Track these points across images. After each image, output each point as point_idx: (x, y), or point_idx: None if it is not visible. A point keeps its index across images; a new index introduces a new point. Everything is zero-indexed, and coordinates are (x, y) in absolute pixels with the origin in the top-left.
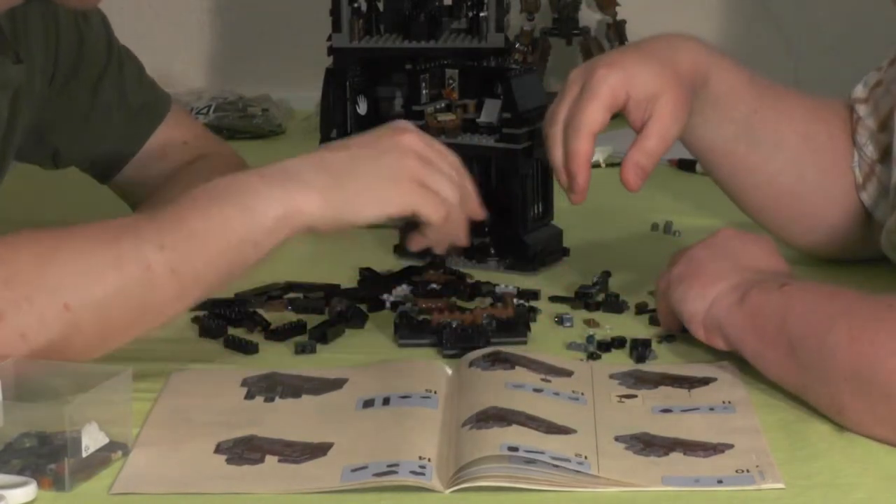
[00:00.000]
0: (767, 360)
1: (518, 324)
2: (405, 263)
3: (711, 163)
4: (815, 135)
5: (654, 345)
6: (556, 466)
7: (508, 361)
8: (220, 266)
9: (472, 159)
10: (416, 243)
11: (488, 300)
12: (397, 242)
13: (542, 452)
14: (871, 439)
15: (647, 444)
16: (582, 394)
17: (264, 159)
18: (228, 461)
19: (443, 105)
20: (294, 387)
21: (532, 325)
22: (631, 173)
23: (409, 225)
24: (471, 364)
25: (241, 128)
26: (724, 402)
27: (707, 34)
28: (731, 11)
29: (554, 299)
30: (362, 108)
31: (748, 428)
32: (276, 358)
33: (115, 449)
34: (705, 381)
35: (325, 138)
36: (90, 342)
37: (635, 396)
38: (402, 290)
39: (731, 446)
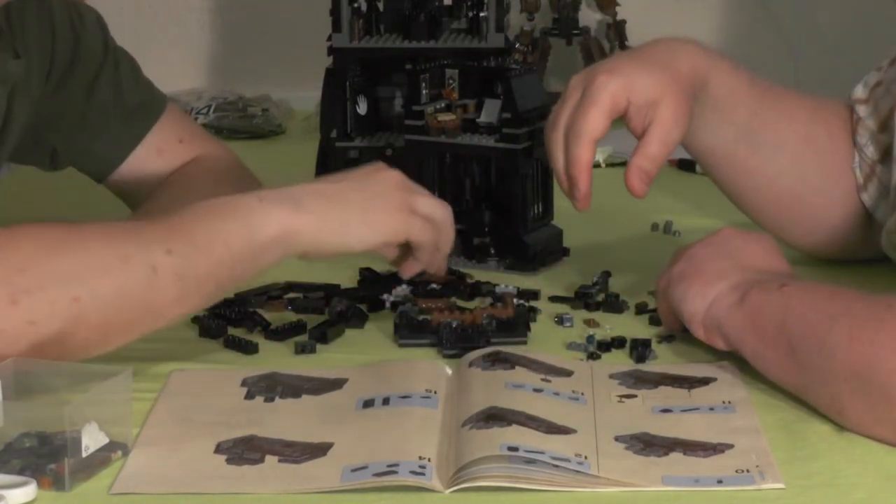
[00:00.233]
0: (767, 360)
1: (518, 324)
2: None
3: (712, 165)
4: (815, 136)
5: (654, 345)
6: (556, 466)
7: (508, 361)
8: (219, 276)
9: (472, 159)
10: (408, 269)
11: (488, 300)
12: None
13: (542, 452)
14: (871, 439)
15: (647, 444)
16: (582, 394)
17: (264, 159)
18: (228, 461)
19: (443, 105)
20: (294, 387)
21: (532, 325)
22: (636, 179)
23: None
24: (471, 364)
25: (241, 128)
26: (724, 402)
27: (707, 34)
28: (732, 12)
29: (554, 299)
30: (362, 108)
31: (748, 428)
32: (276, 358)
33: (115, 449)
34: (705, 381)
35: (325, 138)
36: (91, 338)
37: (635, 396)
38: (402, 290)
39: (731, 446)
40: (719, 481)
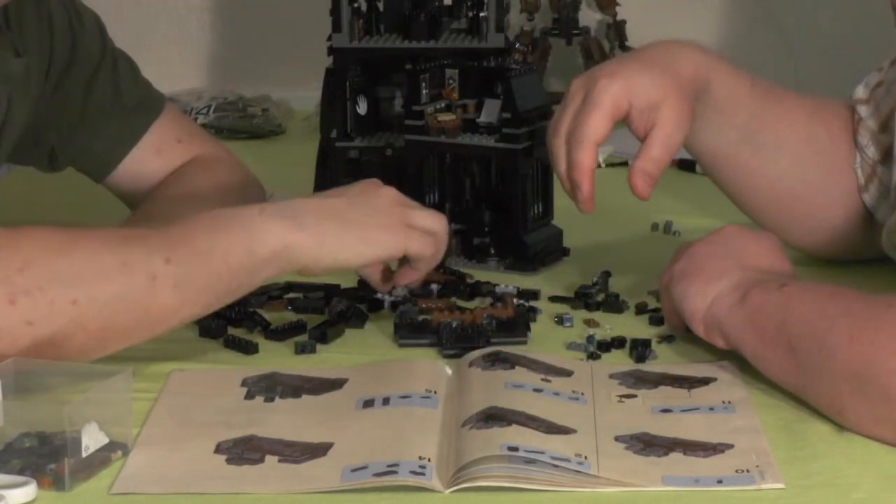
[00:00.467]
0: (767, 360)
1: (518, 324)
2: None
3: (713, 166)
4: (816, 137)
5: (654, 345)
6: (556, 466)
7: (508, 361)
8: (217, 288)
9: (472, 159)
10: (405, 277)
11: (488, 300)
12: None
13: (542, 452)
14: (871, 439)
15: (647, 444)
16: (582, 394)
17: (264, 159)
18: (228, 461)
19: (443, 105)
20: (294, 387)
21: (532, 325)
22: (640, 181)
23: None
24: (471, 364)
25: (241, 128)
26: (724, 402)
27: (707, 35)
28: (732, 12)
29: (554, 299)
30: (362, 108)
31: (748, 428)
32: (276, 358)
33: (115, 449)
34: (705, 381)
35: (325, 138)
36: (88, 343)
37: (635, 396)
38: (402, 290)
39: (731, 446)
40: (719, 481)
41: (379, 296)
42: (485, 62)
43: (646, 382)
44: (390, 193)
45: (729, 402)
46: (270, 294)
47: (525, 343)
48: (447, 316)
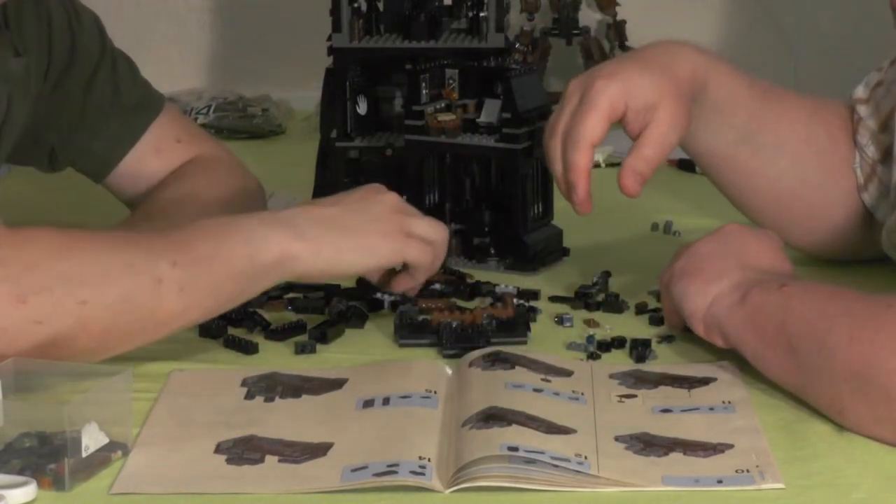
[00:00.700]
0: (767, 360)
1: (518, 324)
2: None
3: (712, 167)
4: (815, 137)
5: (654, 345)
6: (556, 466)
7: (508, 361)
8: (220, 293)
9: (472, 159)
10: (402, 284)
11: (488, 300)
12: None
13: (542, 452)
14: (871, 439)
15: (647, 444)
16: (582, 394)
17: (264, 159)
18: (228, 461)
19: (443, 105)
20: (294, 387)
21: (532, 325)
22: (629, 179)
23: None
24: (471, 364)
25: (241, 128)
26: (724, 402)
27: (707, 35)
28: (732, 12)
29: (554, 299)
30: (362, 108)
31: (748, 428)
32: (276, 358)
33: (115, 449)
34: (705, 381)
35: (325, 138)
36: (91, 344)
37: (635, 396)
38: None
39: (731, 446)
40: (719, 481)
41: (379, 296)
42: (485, 62)
43: (646, 382)
44: (390, 200)
45: (729, 402)
46: (270, 294)
47: (525, 343)
48: (447, 316)
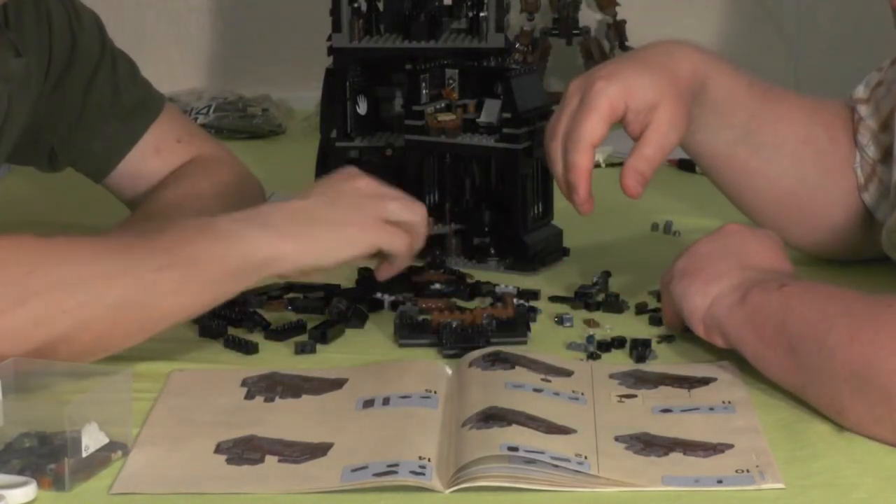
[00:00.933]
0: (767, 360)
1: (518, 324)
2: None
3: (712, 167)
4: (815, 137)
5: (654, 345)
6: (556, 466)
7: (508, 361)
8: (211, 292)
9: (472, 159)
10: (384, 272)
11: (488, 300)
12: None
13: (542, 452)
14: (871, 439)
15: (647, 444)
16: (582, 394)
17: (264, 159)
18: (228, 461)
19: (443, 105)
20: (294, 387)
21: (532, 325)
22: (631, 180)
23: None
24: (471, 364)
25: (241, 128)
26: (724, 402)
27: (707, 34)
28: (732, 12)
29: (554, 299)
30: (362, 108)
31: (748, 428)
32: (276, 358)
33: (115, 449)
34: (705, 381)
35: (325, 138)
36: (88, 346)
37: (635, 396)
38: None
39: (731, 446)
40: (719, 481)
41: (379, 296)
42: (485, 62)
43: (646, 382)
44: (364, 185)
45: (729, 402)
46: (270, 294)
47: (525, 343)
48: (447, 316)
